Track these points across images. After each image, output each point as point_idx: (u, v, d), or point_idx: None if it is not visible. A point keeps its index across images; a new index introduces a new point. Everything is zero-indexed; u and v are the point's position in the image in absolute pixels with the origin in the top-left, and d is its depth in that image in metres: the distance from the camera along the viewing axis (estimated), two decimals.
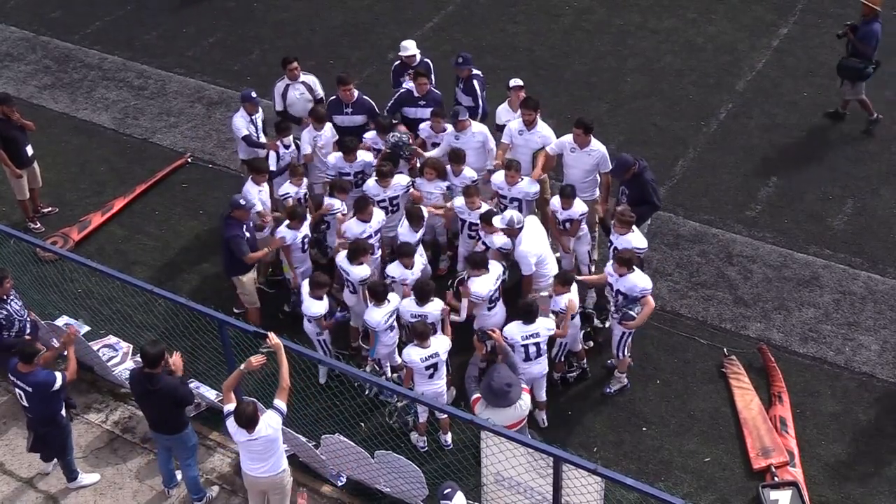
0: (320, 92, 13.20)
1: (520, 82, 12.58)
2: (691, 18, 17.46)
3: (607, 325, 11.35)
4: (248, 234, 11.26)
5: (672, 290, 12.33)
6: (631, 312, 10.41)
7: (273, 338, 9.45)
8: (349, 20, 17.99)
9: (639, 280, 10.44)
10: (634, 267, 10.46)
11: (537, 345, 10.20)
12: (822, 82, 15.60)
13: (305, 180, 12.18)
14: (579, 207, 11.43)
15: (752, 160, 14.31)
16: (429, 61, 13.23)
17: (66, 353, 10.30)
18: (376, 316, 10.51)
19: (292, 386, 9.43)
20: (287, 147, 12.48)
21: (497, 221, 11.16)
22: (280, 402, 9.10)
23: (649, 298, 10.50)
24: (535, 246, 11.04)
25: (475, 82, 12.79)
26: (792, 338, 11.69)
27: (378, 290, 10.54)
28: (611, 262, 10.68)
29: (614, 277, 10.52)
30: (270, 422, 9.02)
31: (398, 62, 13.35)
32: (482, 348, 10.09)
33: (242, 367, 9.31)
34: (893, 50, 16.31)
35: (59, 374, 9.84)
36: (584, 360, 11.32)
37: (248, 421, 8.90)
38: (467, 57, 12.81)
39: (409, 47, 13.16)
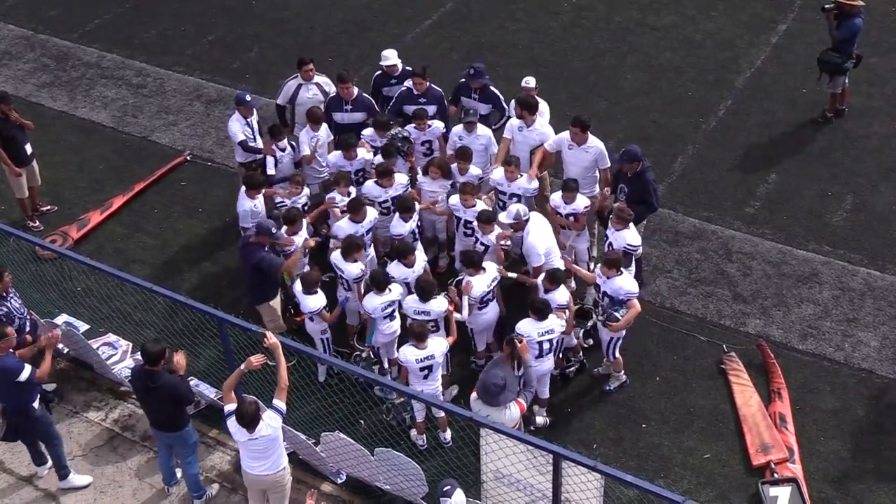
0: (332, 90, 13.11)
1: (531, 84, 12.52)
2: (690, 15, 17.46)
3: (589, 325, 11.32)
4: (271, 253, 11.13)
5: (671, 287, 12.33)
6: (615, 314, 10.38)
7: (270, 337, 9.45)
8: (348, 17, 17.99)
9: (625, 283, 10.38)
10: (623, 269, 10.40)
11: (550, 341, 10.23)
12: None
13: (306, 190, 12.11)
14: (582, 201, 11.43)
15: (752, 157, 14.31)
16: (411, 68, 13.06)
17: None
18: (374, 302, 10.54)
19: (292, 384, 9.44)
20: (283, 150, 12.43)
21: (503, 217, 11.15)
22: (279, 402, 9.11)
23: (635, 302, 10.42)
24: (541, 238, 11.06)
25: (492, 89, 12.72)
26: (791, 334, 11.69)
27: (379, 279, 10.56)
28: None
29: (602, 279, 10.50)
30: (271, 421, 9.04)
31: (379, 72, 13.19)
32: (508, 350, 10.02)
33: (243, 366, 9.31)
34: (892, 47, 16.35)
35: (28, 367, 9.75)
36: (581, 353, 11.31)
37: (249, 421, 8.91)
38: (480, 70, 12.61)
39: (390, 56, 13.03)
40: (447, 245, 12.55)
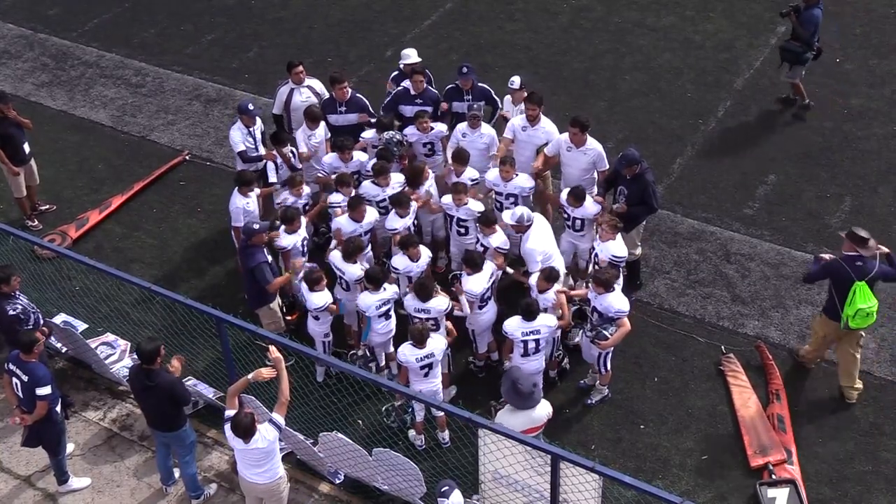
0: (324, 93, 13.11)
1: (516, 84, 12.57)
2: (689, 16, 17.46)
3: (577, 340, 11.31)
4: (269, 258, 11.07)
5: (670, 288, 12.34)
6: (605, 332, 10.34)
7: (274, 351, 9.40)
8: (347, 17, 17.99)
9: (615, 301, 10.33)
10: (615, 286, 10.38)
11: (537, 341, 10.24)
12: (821, 80, 15.61)
13: (307, 189, 12.07)
14: (592, 208, 11.41)
15: (750, 158, 14.32)
16: (428, 73, 13.11)
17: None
18: (368, 300, 10.57)
19: (290, 384, 9.42)
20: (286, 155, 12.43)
21: (507, 217, 11.15)
22: (278, 416, 9.07)
23: (625, 321, 10.37)
24: (541, 243, 11.05)
25: (481, 84, 12.77)
26: (790, 335, 11.69)
27: (375, 277, 10.58)
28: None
29: (593, 294, 10.46)
30: (266, 434, 9.00)
31: (397, 72, 13.19)
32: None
33: (250, 376, 9.26)
34: (891, 48, 16.36)
35: (49, 385, 9.79)
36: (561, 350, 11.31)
37: (244, 432, 8.90)
38: (472, 68, 12.67)
39: (411, 55, 13.00)
40: (445, 244, 12.53)
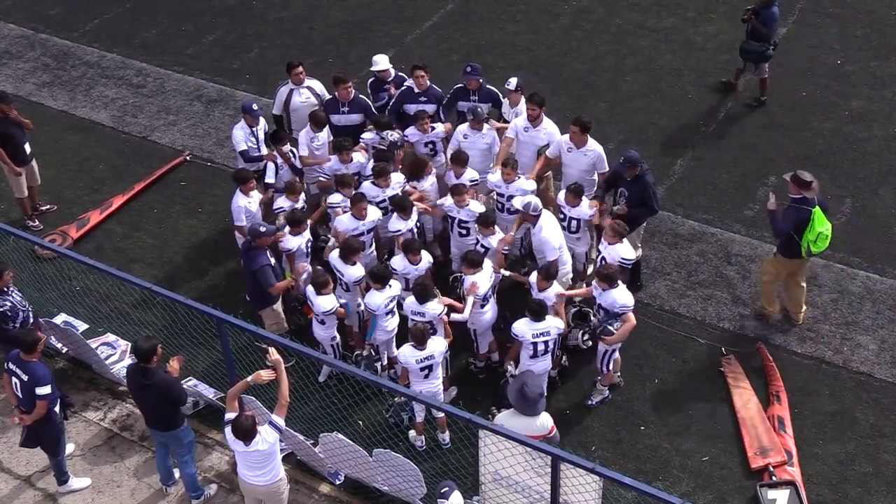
0: (324, 94, 13.14)
1: (512, 85, 12.58)
2: (691, 17, 17.47)
3: (575, 342, 11.32)
4: (272, 260, 11.05)
5: (670, 290, 12.34)
6: (610, 328, 10.34)
7: (274, 353, 9.40)
8: (348, 18, 17.99)
9: (619, 296, 10.32)
10: (619, 282, 10.37)
11: (546, 343, 10.25)
12: (821, 81, 15.63)
13: (303, 195, 12.03)
14: (587, 209, 11.41)
15: (751, 160, 14.32)
16: (404, 75, 13.13)
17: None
18: (377, 300, 10.57)
19: (291, 384, 9.43)
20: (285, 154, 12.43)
21: (517, 202, 11.17)
22: (278, 419, 9.07)
23: (630, 315, 10.36)
24: (555, 233, 11.07)
25: (489, 87, 12.78)
26: (790, 337, 11.69)
27: (380, 275, 10.58)
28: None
29: (598, 291, 10.48)
30: (267, 436, 9.00)
31: (372, 79, 13.25)
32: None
33: (250, 379, 9.26)
34: (892, 50, 16.37)
35: (49, 385, 9.78)
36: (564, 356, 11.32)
37: (244, 434, 8.90)
38: (477, 67, 12.69)
39: (381, 62, 13.04)
40: (439, 240, 12.51)
